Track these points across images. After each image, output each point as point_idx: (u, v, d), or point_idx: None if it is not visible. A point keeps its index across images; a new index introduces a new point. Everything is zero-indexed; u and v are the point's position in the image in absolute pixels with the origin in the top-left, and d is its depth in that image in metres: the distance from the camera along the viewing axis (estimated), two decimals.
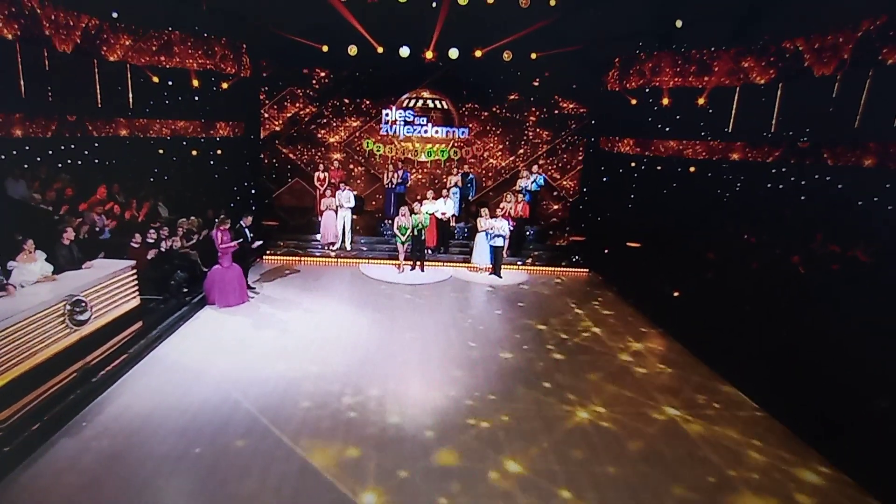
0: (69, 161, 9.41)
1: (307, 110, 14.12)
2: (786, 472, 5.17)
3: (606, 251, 12.36)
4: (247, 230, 8.80)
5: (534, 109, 14.12)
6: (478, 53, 13.33)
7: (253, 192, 14.50)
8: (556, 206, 14.63)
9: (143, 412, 5.55)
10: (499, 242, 11.20)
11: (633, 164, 13.76)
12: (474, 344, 7.80)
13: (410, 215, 10.99)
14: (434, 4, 12.77)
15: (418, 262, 11.41)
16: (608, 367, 7.28)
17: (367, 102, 14.23)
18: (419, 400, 6.11)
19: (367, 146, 14.56)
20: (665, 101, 12.60)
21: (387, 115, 14.36)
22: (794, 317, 7.31)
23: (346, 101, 14.14)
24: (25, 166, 8.45)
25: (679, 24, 11.18)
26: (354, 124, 14.33)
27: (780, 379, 6.56)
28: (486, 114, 14.20)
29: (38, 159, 8.77)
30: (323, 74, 13.91)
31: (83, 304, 6.26)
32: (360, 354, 7.20)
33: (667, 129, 12.78)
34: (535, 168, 13.24)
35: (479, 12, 12.51)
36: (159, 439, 5.09)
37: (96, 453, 4.85)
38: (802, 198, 10.36)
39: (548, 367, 7.16)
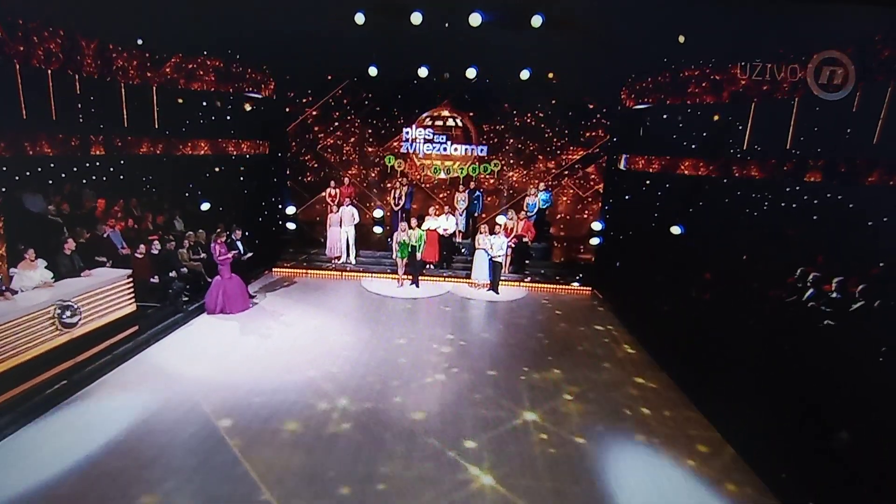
0: (94, 178, 10.27)
1: (329, 129, 14.77)
2: None
3: (612, 268, 12.14)
4: (238, 242, 9.32)
5: (553, 128, 14.18)
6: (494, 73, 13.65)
7: (280, 206, 15.23)
8: (567, 225, 14.56)
9: (109, 409, 6.04)
10: (499, 258, 11.27)
11: (647, 182, 13.46)
12: (446, 362, 7.86)
13: (409, 230, 11.22)
14: (447, 25, 13.11)
15: (413, 277, 11.61)
16: (582, 389, 7.19)
17: (388, 120, 14.73)
18: (370, 414, 6.26)
19: (389, 162, 15.01)
20: (679, 119, 12.32)
21: (407, 132, 14.79)
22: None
23: (367, 119, 14.71)
24: (50, 182, 9.32)
25: (682, 39, 10.91)
26: (374, 141, 14.87)
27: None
28: (504, 131, 14.38)
29: (63, 175, 9.64)
30: (341, 94, 14.51)
31: (72, 309, 6.87)
32: (329, 366, 7.44)
33: (686, 146, 12.43)
34: (541, 185, 13.20)
35: (493, 33, 12.76)
36: (113, 435, 5.52)
37: (55, 444, 5.34)
38: (815, 217, 9.86)
39: (513, 386, 7.15)
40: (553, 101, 13.96)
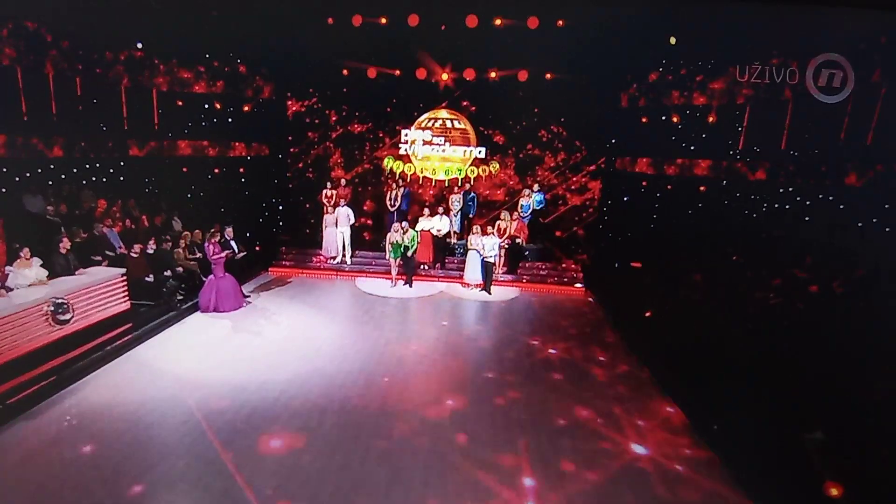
0: (93, 179, 10.49)
1: (327, 130, 14.89)
2: None
3: (607, 269, 12.18)
4: (232, 242, 9.46)
5: (551, 129, 14.22)
6: (493, 75, 13.76)
7: (281, 208, 15.40)
8: (563, 226, 14.56)
9: (95, 404, 6.20)
10: (491, 259, 11.36)
11: (644, 184, 13.47)
12: (435, 362, 7.97)
13: (402, 231, 11.34)
14: (444, 27, 13.25)
15: (406, 277, 11.73)
16: (556, 390, 7.25)
17: (386, 122, 14.82)
18: (354, 412, 6.36)
19: (388, 163, 15.10)
20: (675, 119, 12.35)
21: (405, 134, 14.88)
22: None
23: (366, 120, 14.82)
24: (50, 183, 9.55)
25: (673, 40, 10.94)
26: (373, 143, 14.98)
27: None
28: (501, 133, 14.45)
29: (63, 176, 9.87)
30: (340, 95, 14.63)
31: (65, 306, 7.05)
32: (317, 364, 7.56)
33: (682, 146, 12.44)
34: (535, 187, 13.24)
35: (490, 35, 12.87)
36: (97, 428, 5.69)
37: (43, 436, 5.53)
38: (807, 218, 9.86)
39: (500, 387, 7.23)
40: (551, 103, 13.98)
